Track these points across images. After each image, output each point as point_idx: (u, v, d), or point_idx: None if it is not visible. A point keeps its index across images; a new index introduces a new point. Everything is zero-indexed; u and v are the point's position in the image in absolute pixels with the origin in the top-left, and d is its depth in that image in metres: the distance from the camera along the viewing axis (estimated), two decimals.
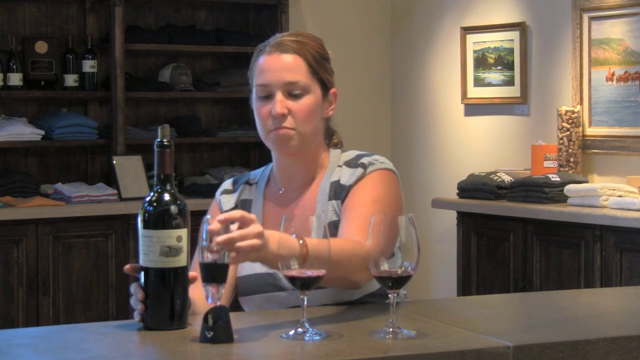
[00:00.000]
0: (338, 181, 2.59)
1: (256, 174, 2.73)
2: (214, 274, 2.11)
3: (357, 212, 2.49)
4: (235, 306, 2.60)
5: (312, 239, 2.15)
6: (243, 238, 2.10)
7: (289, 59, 2.56)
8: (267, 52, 2.58)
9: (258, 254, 2.14)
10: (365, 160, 2.59)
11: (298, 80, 2.55)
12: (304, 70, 2.56)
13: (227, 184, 2.73)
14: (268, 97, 2.55)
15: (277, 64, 2.55)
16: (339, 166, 2.62)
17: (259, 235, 2.12)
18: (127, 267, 2.28)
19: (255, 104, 2.59)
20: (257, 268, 2.53)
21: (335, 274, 2.26)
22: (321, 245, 2.15)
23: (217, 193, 2.73)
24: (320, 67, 2.59)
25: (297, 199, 2.62)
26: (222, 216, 2.12)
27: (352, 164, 2.60)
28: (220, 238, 2.08)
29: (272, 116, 2.54)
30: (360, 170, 2.57)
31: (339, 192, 2.57)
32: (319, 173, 2.63)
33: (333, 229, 2.53)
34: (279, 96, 2.54)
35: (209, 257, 2.12)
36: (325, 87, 2.61)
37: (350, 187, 2.56)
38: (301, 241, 2.15)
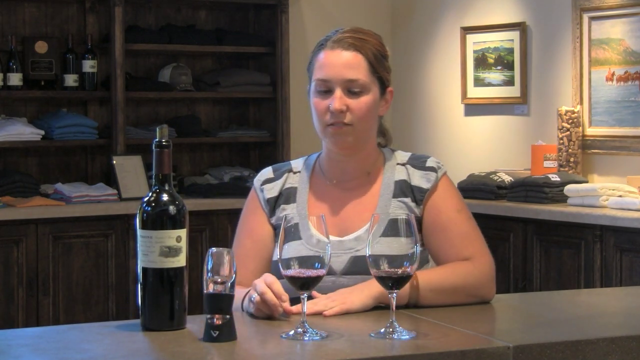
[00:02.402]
0: (405, 180, 2.64)
1: (298, 163, 2.75)
2: (219, 304, 2.11)
3: (452, 231, 2.59)
4: None
5: (421, 272, 2.44)
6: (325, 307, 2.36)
7: (350, 56, 2.58)
8: (329, 47, 2.60)
9: (344, 306, 2.36)
10: (430, 162, 2.66)
11: (358, 79, 2.57)
12: (364, 68, 2.59)
13: (267, 172, 2.74)
14: (327, 92, 2.59)
15: (338, 60, 2.58)
16: (399, 164, 2.67)
17: (334, 299, 2.37)
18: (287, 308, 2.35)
19: (313, 97, 2.62)
20: (303, 251, 2.49)
21: (459, 297, 2.51)
22: (432, 275, 2.45)
23: (256, 183, 2.73)
24: (379, 65, 2.62)
25: (354, 193, 2.66)
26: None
27: (418, 165, 2.66)
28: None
29: (330, 111, 2.57)
30: (433, 175, 2.64)
31: (407, 191, 2.63)
32: (376, 169, 2.68)
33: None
34: (338, 92, 2.57)
35: (214, 288, 2.11)
36: (384, 85, 2.64)
37: (427, 192, 2.62)
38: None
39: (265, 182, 2.72)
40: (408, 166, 2.66)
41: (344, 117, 2.57)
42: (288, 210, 2.66)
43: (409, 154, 2.71)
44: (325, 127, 2.59)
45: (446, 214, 2.60)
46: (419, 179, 2.63)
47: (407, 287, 2.41)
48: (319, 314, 2.34)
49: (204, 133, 6.42)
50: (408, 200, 2.62)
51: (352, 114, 2.57)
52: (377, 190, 2.65)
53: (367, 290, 2.39)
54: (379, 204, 2.62)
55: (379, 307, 2.41)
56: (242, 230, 2.71)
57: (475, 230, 2.62)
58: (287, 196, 2.68)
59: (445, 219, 2.60)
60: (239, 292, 2.47)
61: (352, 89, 2.58)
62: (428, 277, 2.46)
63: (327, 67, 2.58)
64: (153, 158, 2.25)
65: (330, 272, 2.57)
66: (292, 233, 2.54)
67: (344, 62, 2.58)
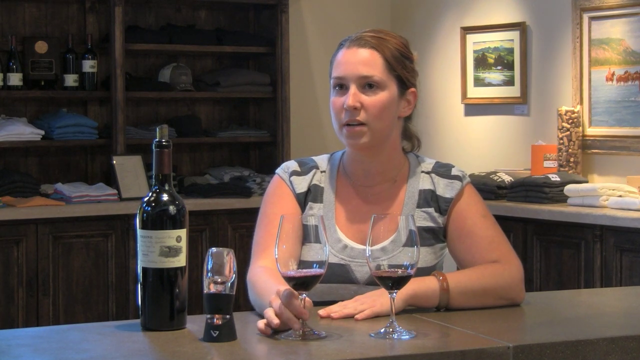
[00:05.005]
0: (430, 190, 2.61)
1: (322, 161, 2.70)
2: (219, 304, 2.11)
3: (478, 235, 2.58)
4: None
5: (451, 274, 2.43)
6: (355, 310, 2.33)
7: (365, 53, 2.56)
8: (346, 46, 2.59)
9: (374, 309, 2.32)
10: (455, 171, 2.64)
11: (372, 75, 2.54)
12: (380, 65, 2.55)
13: (293, 165, 2.68)
14: (343, 90, 2.56)
15: (353, 58, 2.56)
16: (424, 173, 2.64)
17: (363, 302, 2.34)
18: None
19: (330, 96, 2.60)
20: (330, 257, 2.43)
21: (489, 299, 2.49)
22: (462, 277, 2.44)
23: (284, 174, 2.66)
24: (398, 64, 2.57)
25: (379, 200, 2.62)
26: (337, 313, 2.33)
27: (443, 173, 2.63)
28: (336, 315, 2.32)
29: (344, 109, 2.54)
30: (458, 183, 2.62)
31: (432, 201, 2.60)
32: (401, 176, 2.64)
33: (424, 234, 2.57)
34: (353, 89, 2.54)
35: (213, 288, 2.11)
36: (404, 85, 2.60)
37: (452, 201, 2.60)
38: (440, 277, 2.40)
39: (294, 175, 2.65)
40: (433, 175, 2.63)
41: (357, 114, 2.52)
42: (315, 210, 2.61)
43: (433, 162, 2.67)
44: (342, 127, 2.55)
45: (472, 219, 2.59)
46: (444, 187, 2.61)
47: (436, 290, 2.40)
48: (349, 317, 2.31)
49: (204, 133, 6.43)
50: (432, 210, 2.60)
51: (367, 112, 2.53)
52: (401, 199, 2.62)
53: (396, 292, 2.35)
54: (403, 213, 2.58)
55: None
56: (275, 214, 2.53)
57: (501, 234, 2.60)
58: (314, 193, 2.63)
59: (471, 224, 2.58)
60: (274, 286, 2.28)
61: (367, 86, 2.54)
62: (458, 279, 2.44)
63: (342, 64, 2.56)
64: (153, 158, 2.25)
65: (354, 281, 2.56)
66: (315, 235, 2.48)
67: (359, 60, 2.54)
